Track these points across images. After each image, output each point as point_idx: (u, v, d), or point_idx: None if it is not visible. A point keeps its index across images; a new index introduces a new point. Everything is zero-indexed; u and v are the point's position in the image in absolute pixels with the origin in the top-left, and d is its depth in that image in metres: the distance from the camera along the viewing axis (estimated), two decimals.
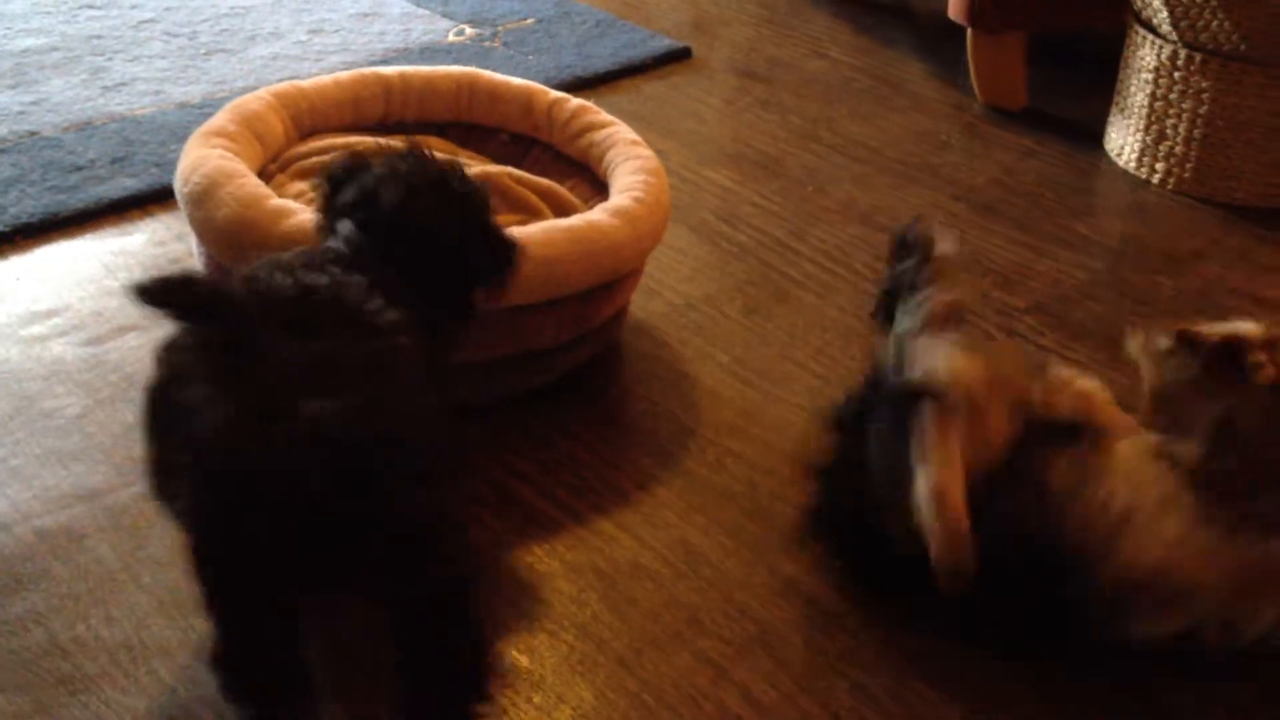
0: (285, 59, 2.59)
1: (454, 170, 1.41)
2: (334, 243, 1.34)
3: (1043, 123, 2.51)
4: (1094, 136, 2.43)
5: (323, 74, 1.99)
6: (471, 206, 1.41)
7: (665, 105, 2.53)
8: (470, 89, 1.93)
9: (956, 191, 2.24)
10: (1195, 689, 1.35)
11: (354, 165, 1.40)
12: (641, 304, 1.89)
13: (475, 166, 1.80)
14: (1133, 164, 2.31)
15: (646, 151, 1.83)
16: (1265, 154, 2.17)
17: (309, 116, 1.86)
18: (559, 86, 2.10)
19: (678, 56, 2.73)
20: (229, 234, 1.59)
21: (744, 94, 2.61)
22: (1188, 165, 2.23)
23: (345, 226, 1.34)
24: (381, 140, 1.66)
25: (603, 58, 2.67)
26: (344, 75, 1.92)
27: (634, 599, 1.45)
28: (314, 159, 1.77)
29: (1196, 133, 2.20)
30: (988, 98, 2.57)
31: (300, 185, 1.74)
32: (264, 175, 1.75)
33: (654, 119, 2.42)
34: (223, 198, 1.59)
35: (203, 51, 2.61)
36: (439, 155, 1.42)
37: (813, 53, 2.80)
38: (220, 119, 1.77)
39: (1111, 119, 2.39)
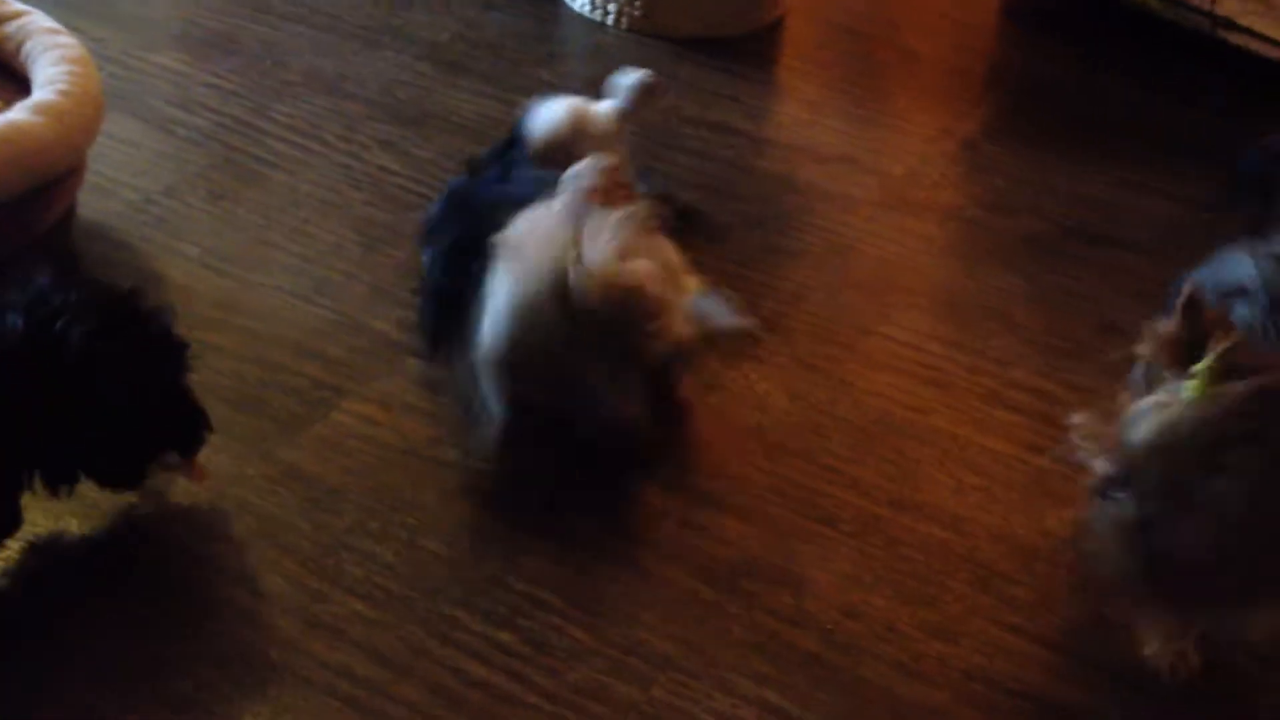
0: None
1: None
2: None
3: None
4: None
5: None
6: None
7: None
8: None
9: (421, 51, 2.21)
10: None
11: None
12: (93, 205, 1.76)
13: None
14: (587, 8, 2.36)
15: (69, 39, 1.69)
16: None
17: None
18: None
19: None
20: None
21: None
22: (636, 4, 2.30)
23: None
24: None
25: None
26: None
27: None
28: None
29: None
30: None
31: None
32: None
33: (88, 6, 2.22)
34: None
35: None
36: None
37: None
38: None
39: None
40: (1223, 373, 1.09)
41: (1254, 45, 2.13)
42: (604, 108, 1.73)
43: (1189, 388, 1.11)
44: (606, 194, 1.42)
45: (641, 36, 2.30)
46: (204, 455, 1.43)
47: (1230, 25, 2.15)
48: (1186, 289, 1.15)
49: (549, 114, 1.69)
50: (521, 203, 1.46)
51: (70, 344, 1.22)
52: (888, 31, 2.37)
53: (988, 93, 2.23)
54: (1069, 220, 1.89)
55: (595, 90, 2.14)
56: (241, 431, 1.48)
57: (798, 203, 1.92)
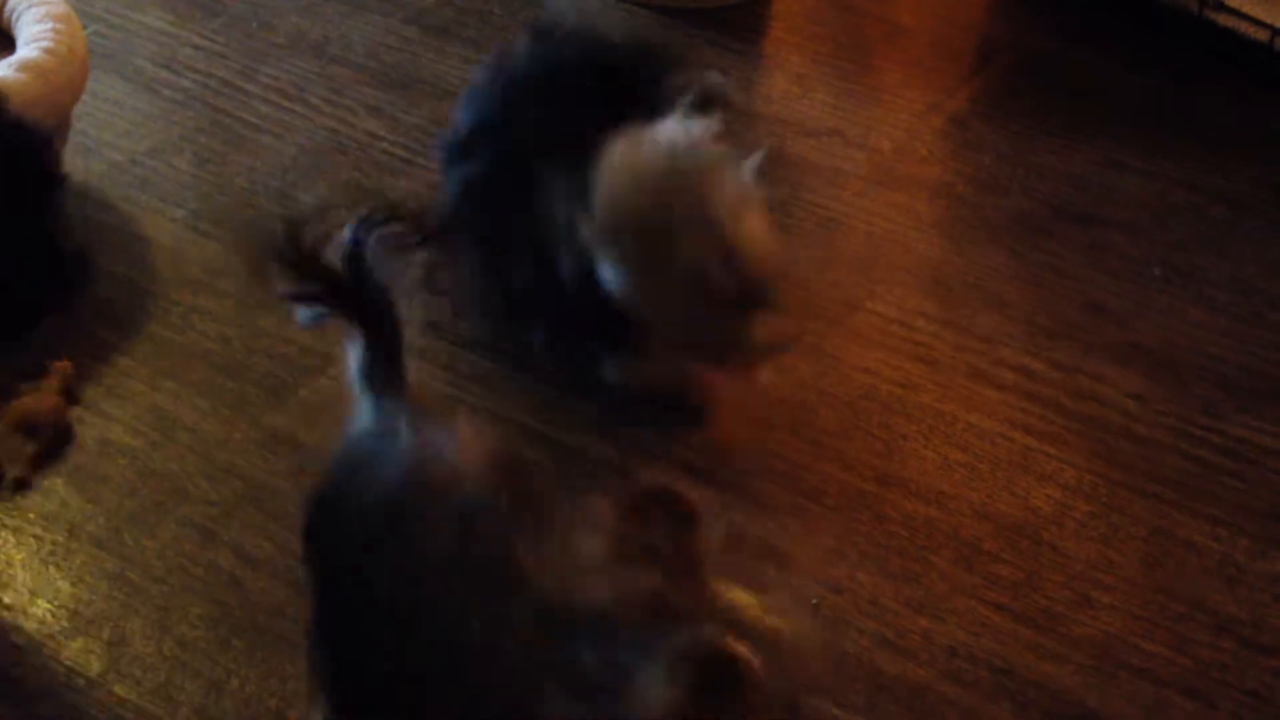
0: None
1: None
2: None
3: None
4: None
5: None
6: None
7: None
8: None
9: (407, 15, 2.19)
10: None
11: None
12: (78, 165, 1.74)
13: None
14: None
15: None
16: None
17: None
18: None
19: None
20: None
21: None
22: None
23: None
24: None
25: None
26: None
27: (106, 478, 1.36)
28: None
29: None
30: None
31: None
32: None
33: None
34: None
35: None
36: None
37: None
38: None
39: None
40: None
41: (1241, 26, 2.14)
42: None
43: None
44: None
45: (629, 5, 2.29)
46: (191, 419, 1.43)
47: (1219, 6, 2.15)
48: None
49: None
50: None
51: None
52: (876, 5, 2.36)
53: (977, 69, 2.23)
54: (1057, 199, 1.89)
55: None
56: (227, 396, 1.47)
57: (785, 177, 1.92)
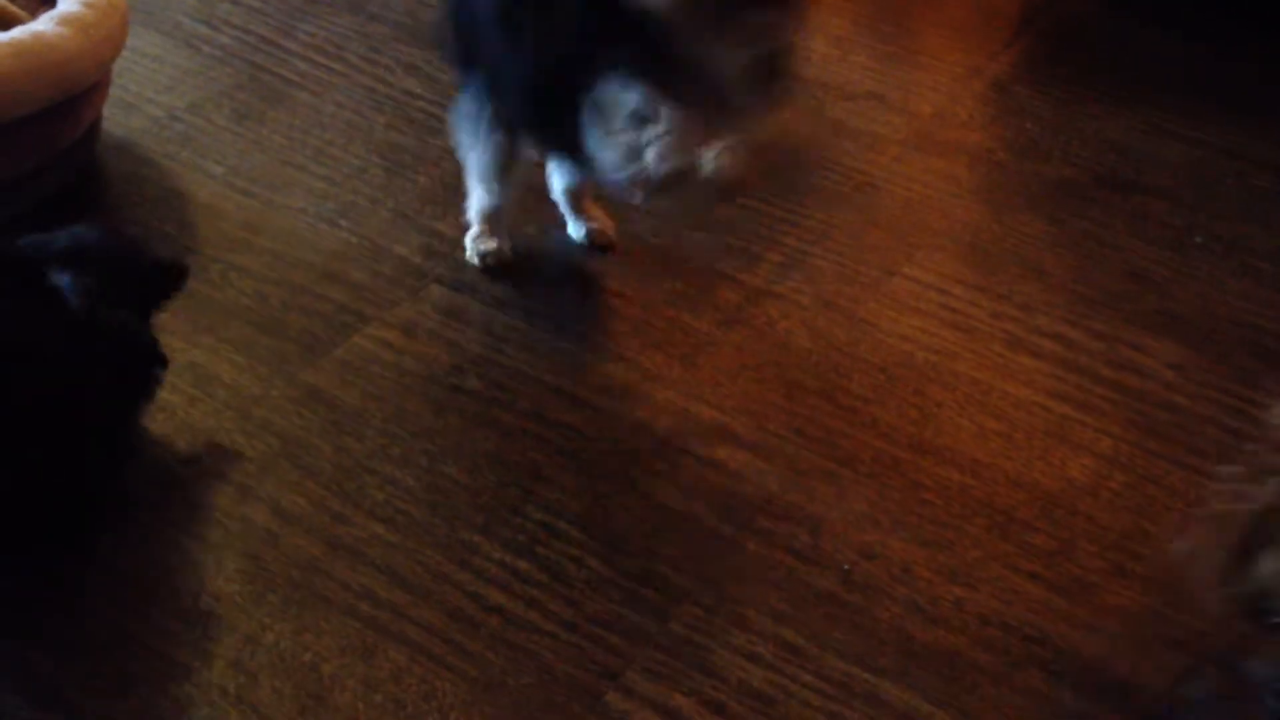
0: None
1: None
2: None
3: None
4: None
5: None
6: None
7: None
8: None
9: None
10: None
11: None
12: (118, 120, 1.75)
13: None
14: None
15: None
16: None
17: None
18: None
19: None
20: None
21: None
22: None
23: None
24: None
25: None
26: None
27: (143, 433, 1.37)
28: None
29: None
30: None
31: None
32: None
33: None
34: None
35: None
36: None
37: None
38: None
39: None
40: None
41: None
42: None
43: None
44: None
45: None
46: (228, 375, 1.44)
47: None
48: None
49: None
50: None
51: None
52: None
53: (1019, 34, 2.20)
54: (1098, 166, 1.87)
55: None
56: (264, 353, 1.48)
57: (824, 140, 1.91)
